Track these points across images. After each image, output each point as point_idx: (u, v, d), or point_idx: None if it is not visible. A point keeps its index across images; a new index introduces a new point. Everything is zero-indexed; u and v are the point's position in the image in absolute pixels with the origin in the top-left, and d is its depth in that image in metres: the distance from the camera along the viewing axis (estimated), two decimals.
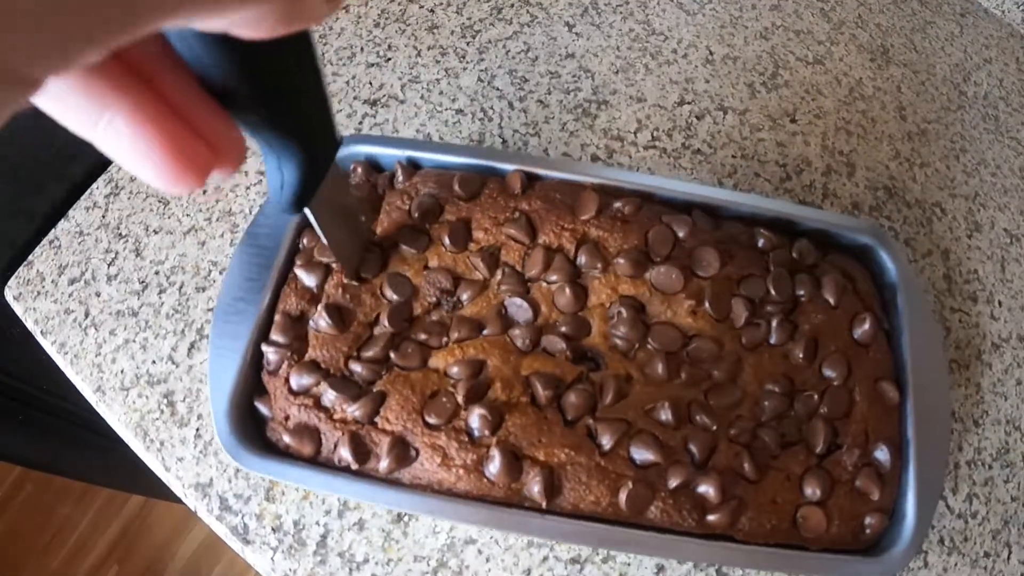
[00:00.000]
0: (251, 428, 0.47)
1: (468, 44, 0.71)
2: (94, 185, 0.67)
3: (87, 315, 0.61)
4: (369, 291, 0.49)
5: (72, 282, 0.62)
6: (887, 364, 0.50)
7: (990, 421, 0.62)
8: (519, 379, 0.46)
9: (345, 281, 0.49)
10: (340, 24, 0.74)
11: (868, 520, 0.46)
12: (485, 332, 0.48)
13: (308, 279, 0.49)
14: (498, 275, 0.50)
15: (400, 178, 0.53)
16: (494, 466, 0.44)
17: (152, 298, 0.61)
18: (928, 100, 0.75)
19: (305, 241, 0.51)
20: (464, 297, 0.49)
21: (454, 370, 0.46)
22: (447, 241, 0.50)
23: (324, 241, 0.44)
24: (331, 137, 0.34)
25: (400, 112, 0.67)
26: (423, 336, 0.48)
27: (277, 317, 0.48)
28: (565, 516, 0.44)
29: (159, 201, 0.65)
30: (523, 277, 0.50)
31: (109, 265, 0.63)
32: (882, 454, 0.47)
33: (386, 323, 0.48)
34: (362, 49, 0.72)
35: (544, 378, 0.46)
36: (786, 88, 0.71)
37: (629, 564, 0.52)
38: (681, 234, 0.50)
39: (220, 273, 0.61)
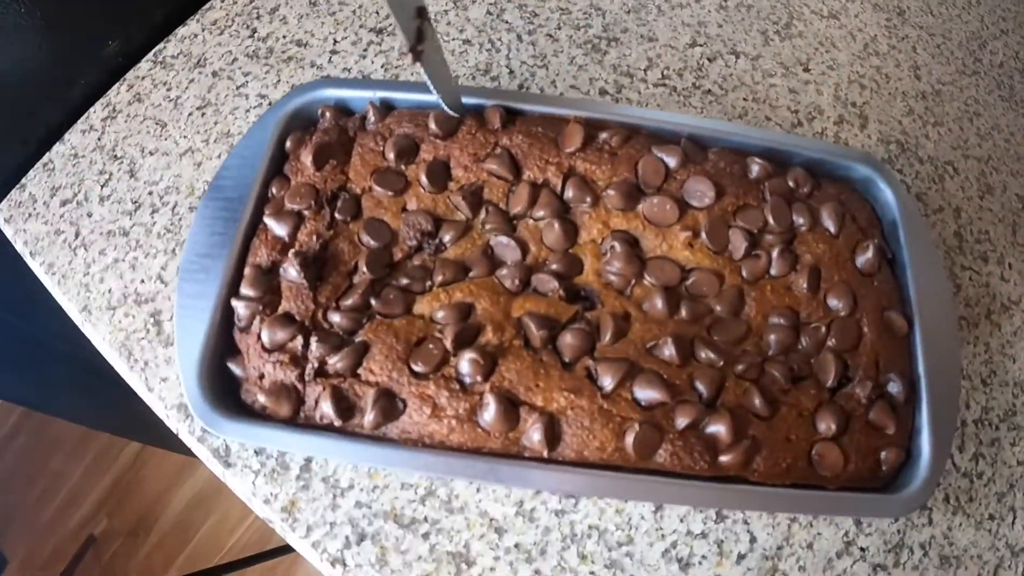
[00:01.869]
0: (225, 391, 0.43)
1: None
2: (91, 109, 0.64)
3: (77, 235, 0.57)
4: (346, 238, 0.45)
5: (64, 203, 0.58)
6: (893, 294, 0.45)
7: (998, 382, 0.58)
8: (511, 321, 0.42)
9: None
10: None
11: (884, 455, 0.42)
12: (471, 274, 0.44)
13: (279, 228, 0.44)
14: (481, 214, 0.45)
15: (372, 119, 0.48)
16: (488, 414, 0.39)
17: (144, 218, 0.57)
18: (943, 63, 0.71)
19: (274, 190, 0.46)
20: (447, 239, 0.45)
21: (440, 315, 0.42)
22: (425, 181, 0.46)
23: (437, 95, 0.42)
24: None
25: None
26: (405, 281, 0.44)
27: (247, 270, 0.43)
28: (568, 464, 0.40)
29: (156, 123, 0.62)
30: (508, 215, 0.45)
31: (102, 187, 0.59)
32: (895, 386, 0.42)
33: (365, 270, 0.43)
34: None
35: (537, 319, 0.42)
36: (800, 39, 0.68)
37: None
38: (672, 164, 0.46)
39: None
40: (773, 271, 0.44)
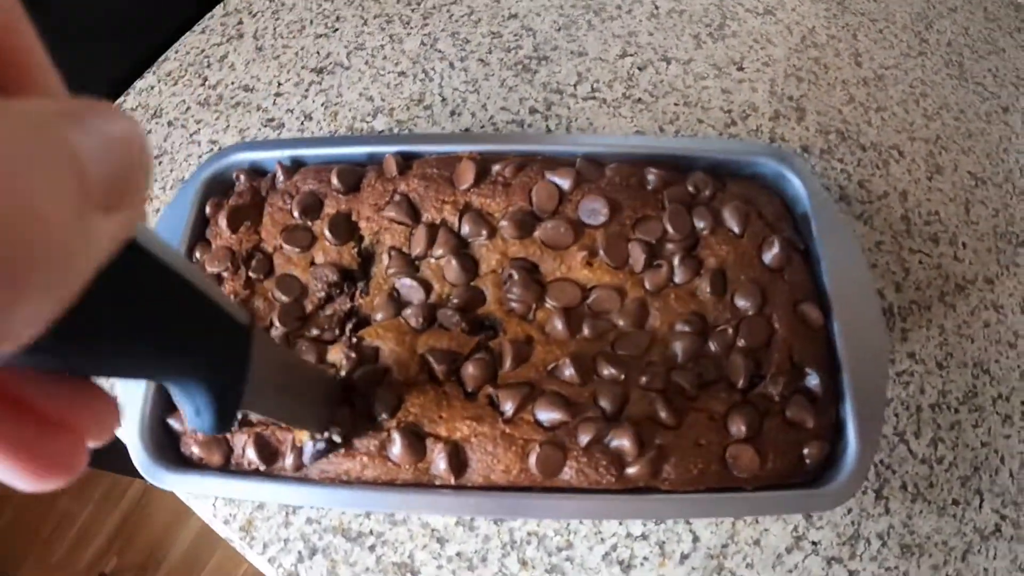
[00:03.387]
0: (167, 446, 0.44)
1: (413, 11, 0.68)
2: None
3: None
4: (261, 295, 0.46)
5: None
6: (805, 286, 0.43)
7: (955, 364, 0.56)
8: (415, 358, 0.42)
9: (240, 287, 0.46)
10: None
11: (807, 450, 0.41)
12: (379, 317, 0.44)
13: None
14: (384, 260, 0.46)
15: (281, 178, 0.49)
16: (396, 448, 0.40)
17: None
18: (886, 47, 0.69)
19: (198, 255, 0.47)
20: (357, 287, 0.46)
21: (347, 360, 0.43)
22: (328, 235, 0.46)
23: (278, 423, 0.38)
24: (233, 330, 0.26)
25: (345, 78, 0.64)
26: (315, 332, 0.44)
27: None
28: (478, 489, 0.40)
29: None
30: (410, 257, 0.45)
31: None
32: (812, 379, 0.40)
33: (278, 324, 0.44)
34: (311, 22, 0.69)
35: (439, 353, 0.41)
36: (734, 38, 0.66)
37: None
38: (566, 187, 0.45)
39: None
40: (676, 279, 0.43)
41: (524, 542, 0.47)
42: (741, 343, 0.41)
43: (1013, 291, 0.59)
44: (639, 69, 0.63)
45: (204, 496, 0.49)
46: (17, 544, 1.28)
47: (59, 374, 0.19)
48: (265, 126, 0.64)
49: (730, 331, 0.41)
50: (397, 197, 0.46)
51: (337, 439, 0.40)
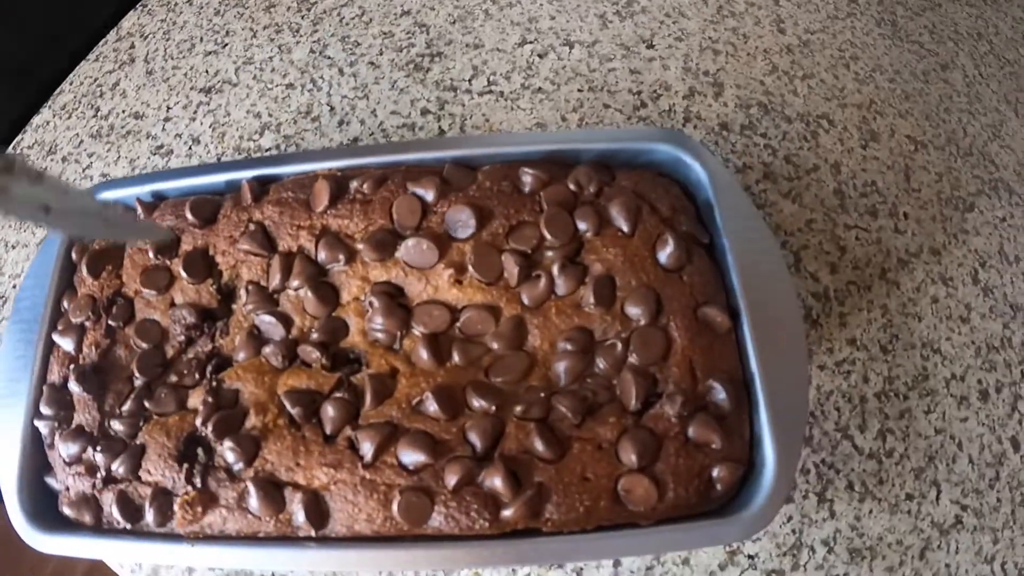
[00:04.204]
0: (46, 506, 0.40)
1: (303, 18, 0.62)
2: None
3: None
4: (122, 343, 0.41)
5: None
6: (709, 286, 0.37)
7: (902, 346, 0.50)
8: (274, 400, 0.37)
9: (98, 338, 0.41)
10: (183, 17, 0.66)
11: (716, 473, 0.36)
12: (240, 358, 0.39)
13: (66, 344, 0.41)
14: (243, 295, 0.41)
15: (141, 216, 0.44)
16: (254, 500, 0.35)
17: (8, 312, 0.56)
18: (811, 11, 0.63)
19: (66, 303, 0.43)
20: (216, 328, 0.41)
21: (202, 407, 0.39)
22: (184, 274, 0.41)
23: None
24: None
25: (232, 95, 0.59)
26: (175, 378, 0.40)
27: (44, 389, 0.41)
28: (344, 541, 0.35)
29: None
30: (267, 291, 0.40)
31: None
32: (718, 393, 0.35)
33: (137, 373, 0.40)
34: (201, 39, 0.63)
35: (296, 395, 0.37)
36: (643, 14, 0.60)
37: None
38: (429, 198, 0.39)
39: None
40: (558, 291, 0.37)
41: None
42: (633, 359, 0.35)
43: (963, 260, 0.53)
44: (539, 56, 0.57)
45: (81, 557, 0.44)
46: (5, 569, 1.24)
47: None
48: (154, 154, 0.59)
49: (619, 346, 0.35)
50: (252, 227, 0.41)
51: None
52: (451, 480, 0.33)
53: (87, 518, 0.38)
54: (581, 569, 0.43)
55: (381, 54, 0.59)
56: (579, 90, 0.55)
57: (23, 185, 0.28)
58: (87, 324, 0.42)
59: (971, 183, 0.56)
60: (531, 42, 0.58)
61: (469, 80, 0.56)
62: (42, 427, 0.41)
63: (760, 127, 0.55)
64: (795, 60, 0.59)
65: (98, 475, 0.39)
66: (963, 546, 0.46)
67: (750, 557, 0.44)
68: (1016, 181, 0.56)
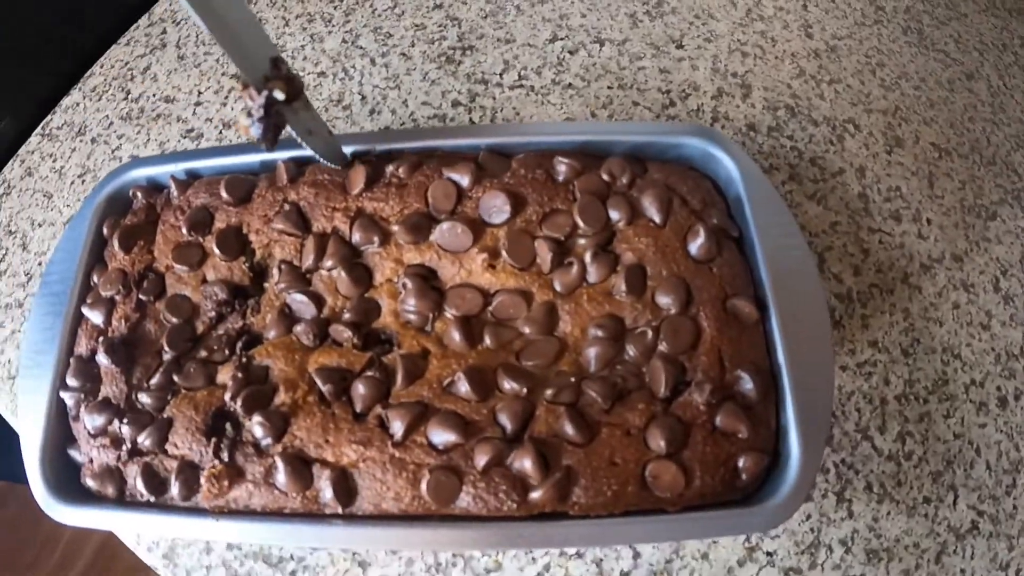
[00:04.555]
0: (68, 479, 0.40)
1: (336, 8, 0.63)
2: None
3: None
4: (152, 317, 0.42)
5: None
6: (738, 278, 0.38)
7: (922, 350, 0.50)
8: (305, 378, 0.38)
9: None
10: None
11: (742, 462, 0.36)
12: (271, 335, 0.40)
13: (95, 316, 0.42)
14: (275, 274, 0.41)
15: (175, 193, 0.44)
16: (281, 476, 0.36)
17: (36, 288, 0.56)
18: (839, 17, 0.64)
19: (95, 278, 0.44)
20: (249, 305, 0.42)
21: (231, 382, 0.39)
22: (217, 251, 0.42)
23: (210, 34, 0.32)
24: None
25: None
26: (204, 354, 0.40)
27: (71, 361, 0.41)
28: (370, 519, 0.35)
29: (44, 195, 0.60)
30: (300, 271, 0.41)
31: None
32: (746, 383, 0.35)
33: (167, 347, 0.40)
34: None
35: (327, 372, 0.37)
36: (673, 15, 0.61)
37: None
38: (464, 184, 0.40)
39: None
40: (589, 278, 0.38)
41: (450, 564, 0.42)
42: (663, 347, 0.36)
43: (984, 268, 0.53)
44: (570, 53, 0.58)
45: (101, 529, 0.45)
46: (1, 569, 1.24)
47: None
48: (184, 137, 0.59)
49: (650, 334, 0.36)
50: (287, 207, 0.41)
51: (279, 96, 0.34)
52: (480, 461, 0.33)
53: (110, 490, 0.39)
54: (601, 560, 0.43)
55: (413, 46, 0.59)
56: (608, 87, 0.56)
57: (305, 108, 0.34)
58: (117, 298, 0.42)
59: (994, 192, 0.56)
60: (562, 38, 0.59)
61: (500, 74, 0.57)
62: (68, 398, 0.41)
63: (787, 129, 0.55)
64: (822, 65, 0.59)
65: (123, 447, 0.39)
66: (979, 551, 0.46)
67: (768, 554, 0.44)
68: None
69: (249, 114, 0.34)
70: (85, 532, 1.25)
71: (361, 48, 0.60)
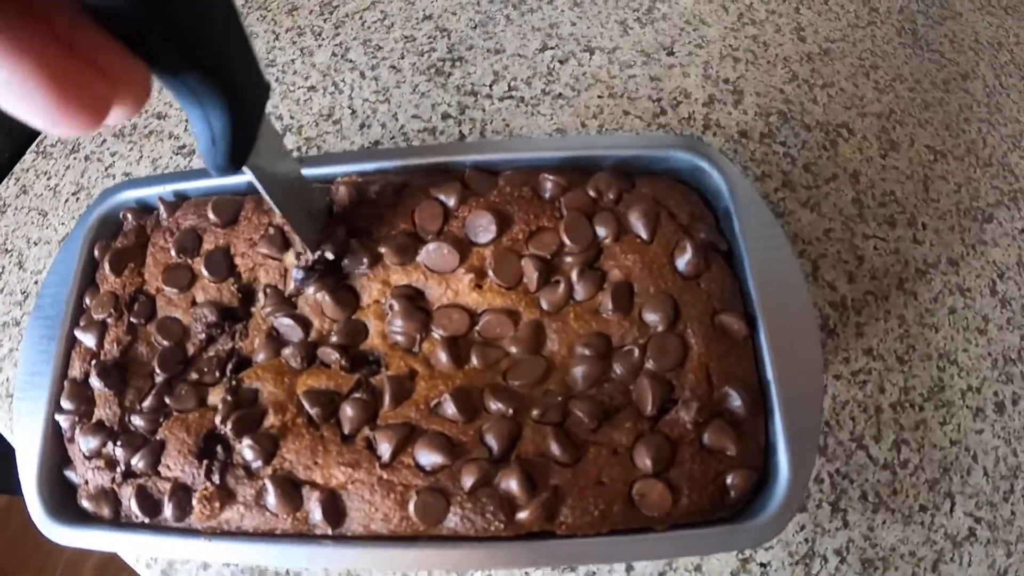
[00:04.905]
0: (64, 500, 0.41)
1: (325, 21, 0.63)
2: None
3: None
4: (144, 340, 0.42)
5: None
6: (727, 294, 0.38)
7: (918, 357, 0.50)
8: (293, 400, 0.38)
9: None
10: None
11: (731, 479, 0.36)
12: (260, 359, 0.40)
13: (88, 339, 0.42)
14: (260, 299, 0.41)
15: (164, 215, 0.45)
16: (271, 498, 0.36)
17: (31, 307, 0.57)
18: (832, 19, 0.63)
19: (88, 300, 0.44)
20: (237, 329, 0.42)
21: (221, 406, 0.39)
22: (206, 273, 0.42)
23: (276, 210, 0.35)
24: (259, 76, 0.27)
25: None
26: (195, 376, 0.41)
27: (65, 384, 0.42)
28: (360, 539, 0.36)
29: (39, 213, 0.61)
30: (284, 295, 0.41)
31: None
32: (734, 400, 0.35)
33: (159, 370, 0.41)
34: None
35: (315, 394, 0.37)
36: (664, 22, 0.61)
37: None
38: (451, 204, 0.40)
39: None
40: (577, 296, 0.38)
41: None
42: (649, 365, 0.36)
43: (980, 272, 0.53)
44: (560, 63, 0.58)
45: (98, 550, 0.45)
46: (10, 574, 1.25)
47: (112, 31, 0.20)
48: (176, 154, 0.60)
49: (636, 352, 0.36)
50: (271, 230, 0.41)
51: (330, 256, 0.37)
52: (467, 481, 0.34)
53: (105, 511, 0.39)
54: (594, 573, 0.43)
55: (403, 58, 0.59)
56: (599, 96, 0.56)
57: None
58: (109, 321, 0.43)
59: (990, 194, 0.56)
60: (552, 48, 0.59)
61: (490, 85, 0.57)
62: (63, 421, 0.41)
63: (779, 135, 0.55)
64: (815, 68, 0.59)
65: (118, 469, 0.39)
66: (976, 559, 0.46)
67: (762, 565, 0.44)
68: None
69: (297, 257, 0.39)
70: (86, 550, 1.26)
71: (351, 61, 0.60)
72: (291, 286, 0.40)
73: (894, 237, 0.53)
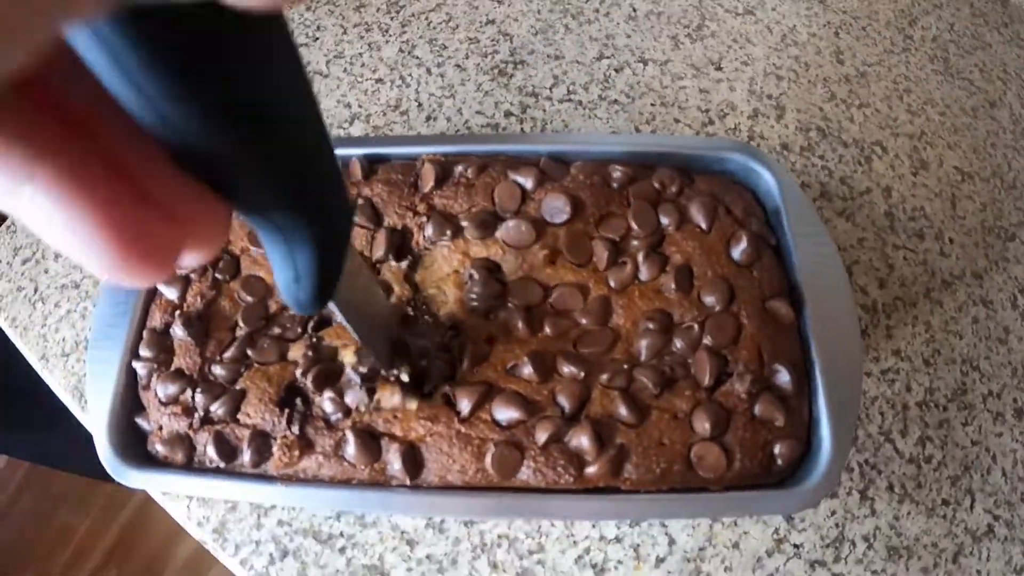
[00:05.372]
0: (134, 445, 0.44)
1: (392, 19, 0.67)
2: None
3: (36, 290, 0.58)
4: (228, 296, 0.45)
5: (24, 262, 0.60)
6: (776, 282, 0.41)
7: (943, 360, 0.53)
8: None
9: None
10: None
11: (778, 449, 0.39)
12: (338, 320, 0.43)
13: (170, 293, 0.45)
14: None
15: None
16: (351, 449, 0.39)
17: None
18: (869, 44, 0.68)
19: None
20: None
21: (302, 360, 0.42)
22: None
23: (354, 335, 0.34)
24: (346, 202, 0.24)
25: (323, 85, 0.64)
26: (277, 330, 0.43)
27: (145, 333, 0.45)
28: (435, 489, 0.38)
29: None
30: (371, 261, 0.44)
31: None
32: (783, 377, 0.38)
33: (242, 323, 0.44)
34: (292, 32, 0.69)
35: None
36: (712, 39, 0.65)
37: None
38: (528, 186, 0.44)
39: None
40: (641, 276, 0.41)
41: (495, 545, 0.45)
42: (707, 340, 0.39)
43: (1003, 286, 0.56)
44: (616, 71, 0.62)
45: (170, 494, 0.48)
46: (15, 560, 1.27)
47: (184, 168, 0.17)
48: None
49: (696, 328, 0.39)
50: (360, 201, 0.45)
51: (405, 378, 0.39)
52: (541, 437, 0.37)
53: (179, 456, 0.42)
54: (638, 546, 0.46)
55: (467, 58, 0.63)
56: (652, 104, 0.59)
57: None
58: (192, 276, 0.46)
59: (1013, 214, 0.59)
60: (608, 57, 0.63)
61: (550, 88, 0.61)
62: (140, 368, 0.44)
63: (818, 149, 0.59)
64: (852, 89, 0.63)
65: (195, 415, 0.42)
66: (994, 554, 0.48)
67: (796, 546, 0.47)
68: None
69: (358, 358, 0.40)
70: (102, 524, 1.28)
71: (417, 58, 0.64)
72: (377, 253, 0.44)
73: (922, 249, 0.57)
